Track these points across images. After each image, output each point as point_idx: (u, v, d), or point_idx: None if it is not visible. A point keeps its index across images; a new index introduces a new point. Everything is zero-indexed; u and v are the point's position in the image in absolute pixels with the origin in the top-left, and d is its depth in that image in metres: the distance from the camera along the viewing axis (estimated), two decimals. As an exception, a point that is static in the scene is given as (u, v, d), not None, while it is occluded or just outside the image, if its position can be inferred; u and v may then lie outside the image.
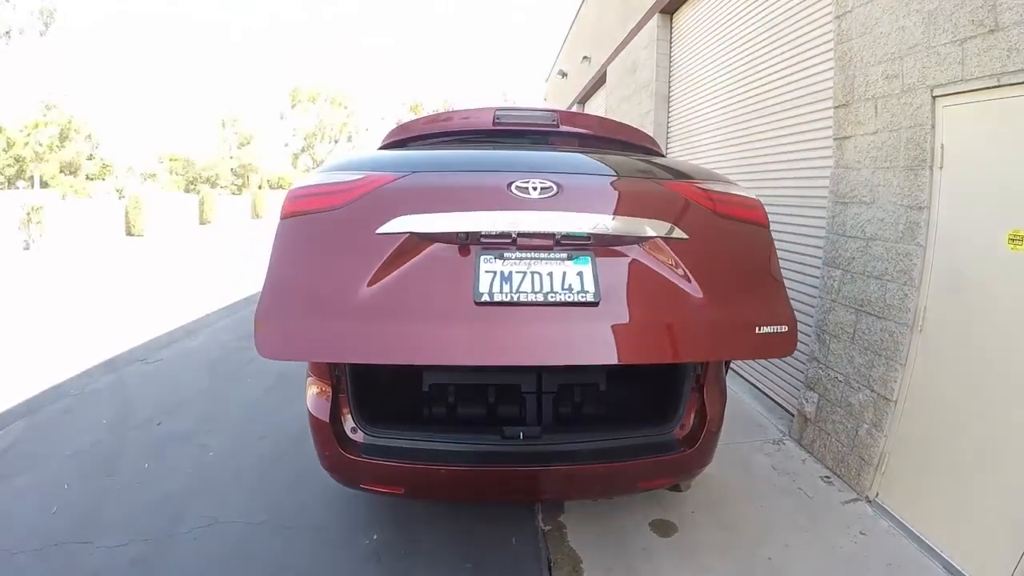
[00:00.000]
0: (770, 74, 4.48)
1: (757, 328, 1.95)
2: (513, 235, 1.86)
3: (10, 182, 30.54)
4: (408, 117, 41.45)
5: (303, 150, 44.92)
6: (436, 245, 1.85)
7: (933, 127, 2.63)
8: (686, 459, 2.32)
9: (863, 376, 3.01)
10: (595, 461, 2.24)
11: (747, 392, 4.57)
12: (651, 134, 7.10)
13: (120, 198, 20.43)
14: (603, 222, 1.87)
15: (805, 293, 3.83)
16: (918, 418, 2.69)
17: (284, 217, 1.95)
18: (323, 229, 1.90)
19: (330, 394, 2.22)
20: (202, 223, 24.88)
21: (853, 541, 2.65)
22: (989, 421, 2.32)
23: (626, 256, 1.92)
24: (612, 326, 1.82)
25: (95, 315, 7.29)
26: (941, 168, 2.60)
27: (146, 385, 4.77)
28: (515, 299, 1.78)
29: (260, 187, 41.83)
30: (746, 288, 2.04)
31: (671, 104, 7.11)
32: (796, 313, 3.81)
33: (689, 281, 1.92)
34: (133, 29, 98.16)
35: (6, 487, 3.10)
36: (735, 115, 5.14)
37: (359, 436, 2.23)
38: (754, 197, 2.20)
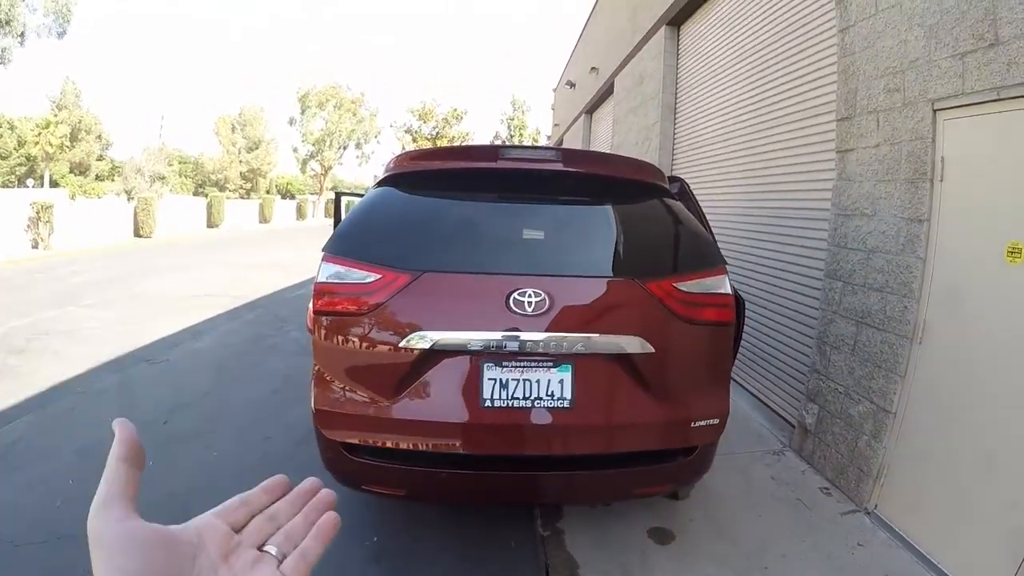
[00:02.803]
0: (774, 86, 4.52)
1: (693, 423, 2.30)
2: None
3: (20, 181, 30.82)
4: (415, 123, 41.71)
5: (311, 156, 45.13)
6: (449, 357, 2.20)
7: (934, 140, 2.66)
8: (684, 467, 2.36)
9: (863, 388, 3.03)
10: (593, 466, 2.29)
11: (748, 402, 4.58)
12: (657, 145, 7.18)
13: (129, 200, 20.48)
14: (585, 343, 2.19)
15: (807, 305, 3.85)
16: (917, 430, 2.70)
17: (316, 312, 2.28)
18: (352, 334, 2.23)
19: None
20: (210, 226, 25.00)
21: (851, 552, 2.66)
22: (987, 434, 2.33)
23: (599, 366, 2.25)
24: (581, 427, 2.22)
25: (102, 315, 7.36)
26: (941, 181, 2.62)
27: (152, 385, 4.82)
28: (511, 404, 2.17)
29: (268, 192, 42.11)
30: (692, 389, 2.36)
31: (677, 115, 7.16)
32: (799, 324, 3.90)
33: (645, 386, 2.25)
34: (134, 29, 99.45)
35: (13, 480, 3.15)
36: (740, 126, 5.18)
37: None
38: (728, 293, 2.38)
